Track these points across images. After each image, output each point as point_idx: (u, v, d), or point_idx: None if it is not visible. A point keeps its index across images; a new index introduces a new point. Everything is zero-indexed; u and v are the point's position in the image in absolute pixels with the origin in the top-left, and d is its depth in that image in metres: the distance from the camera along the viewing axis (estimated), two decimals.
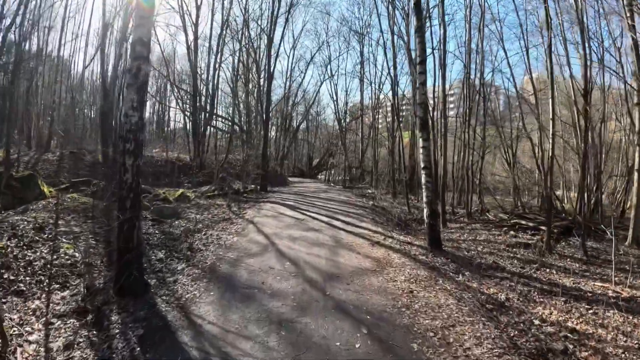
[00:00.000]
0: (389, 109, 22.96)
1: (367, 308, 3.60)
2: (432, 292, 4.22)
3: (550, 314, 4.30)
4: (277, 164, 22.49)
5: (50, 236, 5.87)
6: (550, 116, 7.17)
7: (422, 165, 6.30)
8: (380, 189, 17.80)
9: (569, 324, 3.97)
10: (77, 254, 5.27)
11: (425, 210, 6.34)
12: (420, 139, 6.25)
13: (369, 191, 17.14)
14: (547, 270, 6.28)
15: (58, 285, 4.04)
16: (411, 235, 7.94)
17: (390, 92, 17.78)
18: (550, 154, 7.06)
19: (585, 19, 8.84)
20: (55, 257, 5.08)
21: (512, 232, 9.11)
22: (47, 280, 3.93)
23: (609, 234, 9.46)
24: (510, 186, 15.64)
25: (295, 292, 3.87)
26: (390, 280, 4.44)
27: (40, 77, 18.27)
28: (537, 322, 3.99)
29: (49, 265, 4.21)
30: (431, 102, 14.29)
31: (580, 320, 4.13)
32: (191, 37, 15.32)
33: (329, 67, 25.59)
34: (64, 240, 5.56)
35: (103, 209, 7.62)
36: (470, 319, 3.66)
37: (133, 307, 3.67)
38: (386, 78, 26.47)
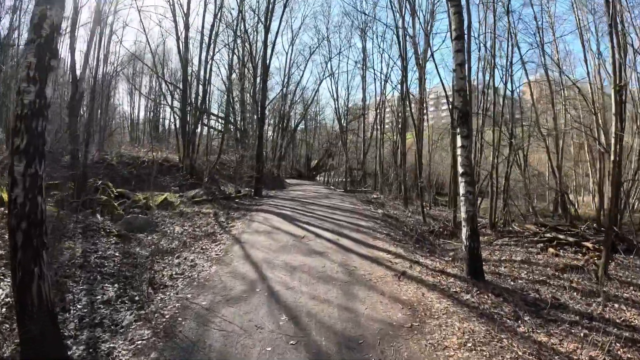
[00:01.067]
0: (394, 107, 21.50)
1: None
2: None
3: None
4: (273, 166, 20.95)
5: None
6: (613, 110, 5.75)
7: (460, 170, 4.81)
8: (386, 194, 16.30)
9: None
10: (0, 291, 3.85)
11: (464, 230, 4.85)
12: (459, 137, 4.76)
13: (374, 196, 15.65)
14: (616, 306, 5.14)
15: None
16: (436, 255, 6.47)
17: (399, 86, 16.36)
18: (613, 158, 5.62)
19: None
20: None
21: (551, 250, 7.68)
22: None
23: None
24: (519, 190, 14.34)
25: None
26: (438, 345, 2.92)
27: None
28: None
29: None
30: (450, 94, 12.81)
31: None
32: (181, 27, 13.78)
33: (329, 64, 23.97)
34: None
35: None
36: None
37: None
38: (392, 70, 24.97)
